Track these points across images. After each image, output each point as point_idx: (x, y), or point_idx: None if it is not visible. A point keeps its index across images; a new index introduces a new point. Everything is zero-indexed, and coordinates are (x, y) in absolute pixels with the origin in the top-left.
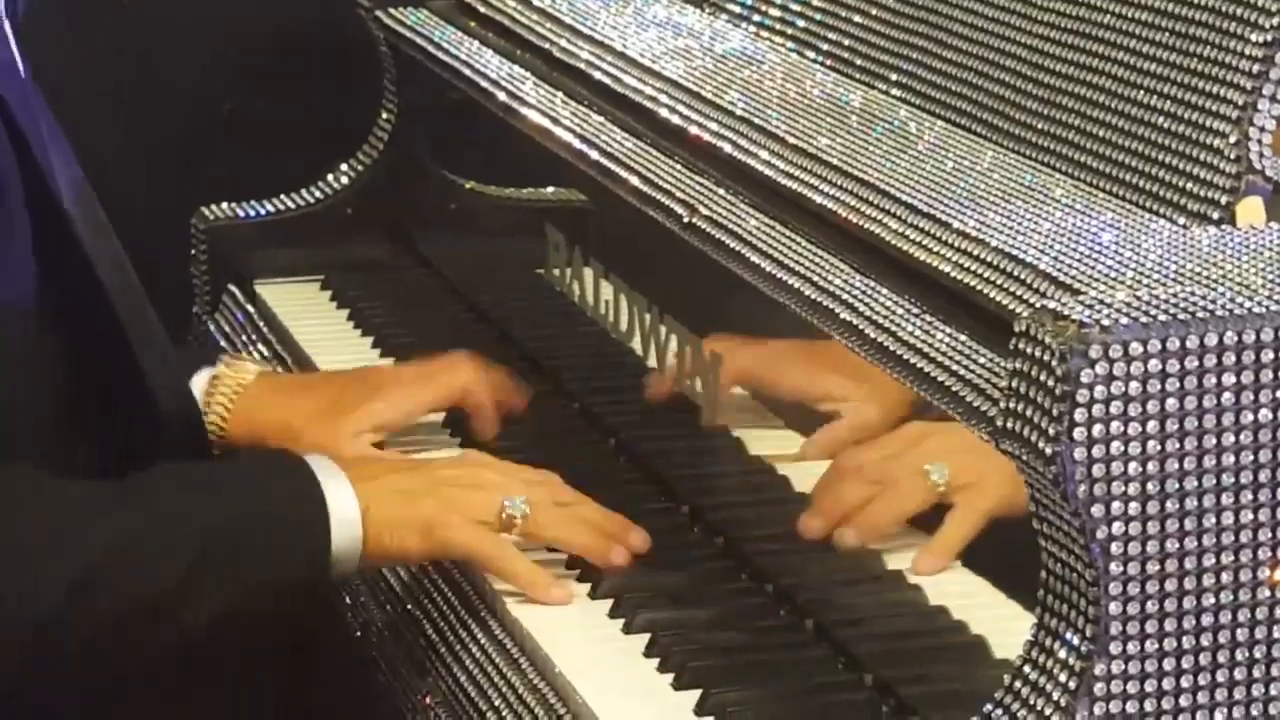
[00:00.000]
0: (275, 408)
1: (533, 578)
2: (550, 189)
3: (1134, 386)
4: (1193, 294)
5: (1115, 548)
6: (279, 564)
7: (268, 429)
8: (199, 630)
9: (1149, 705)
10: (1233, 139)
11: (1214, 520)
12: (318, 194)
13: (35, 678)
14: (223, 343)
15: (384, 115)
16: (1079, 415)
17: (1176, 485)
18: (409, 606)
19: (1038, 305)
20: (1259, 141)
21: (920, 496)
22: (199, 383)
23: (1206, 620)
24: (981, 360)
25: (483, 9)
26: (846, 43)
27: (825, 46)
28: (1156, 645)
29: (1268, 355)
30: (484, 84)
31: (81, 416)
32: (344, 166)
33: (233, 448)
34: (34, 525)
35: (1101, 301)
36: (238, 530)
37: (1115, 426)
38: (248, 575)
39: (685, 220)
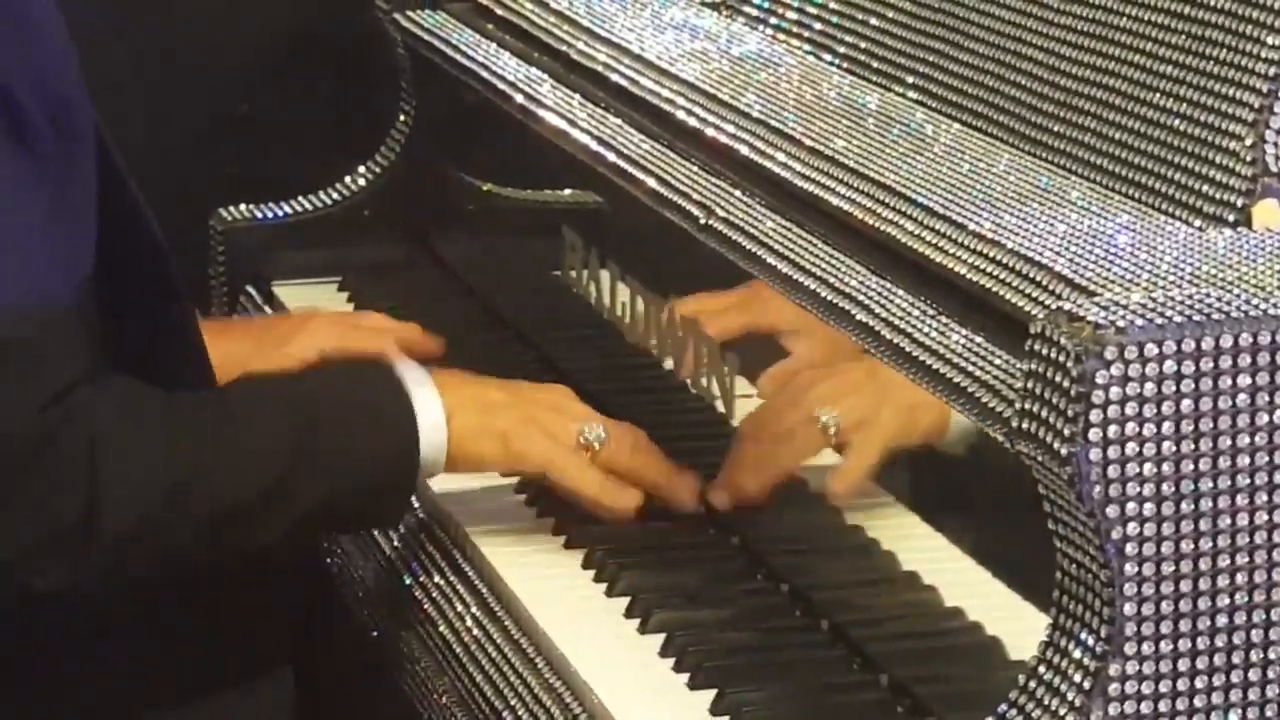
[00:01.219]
0: (222, 348)
1: (605, 487)
2: (567, 191)
3: (1149, 388)
4: (1208, 296)
5: (1130, 548)
6: (370, 464)
7: (217, 364)
8: (305, 525)
9: (1164, 705)
10: (1249, 141)
11: (1229, 521)
12: (335, 196)
13: (131, 582)
14: None
15: (401, 117)
16: (1094, 416)
17: (1191, 486)
18: (425, 606)
19: (1053, 307)
20: (1275, 144)
21: (814, 442)
22: None
23: (1221, 621)
24: (997, 362)
25: (500, 12)
26: (863, 45)
27: (842, 49)
28: (1171, 646)
29: None
30: (501, 86)
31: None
32: (361, 168)
33: None
34: (134, 432)
35: (1117, 303)
36: (328, 432)
37: (1130, 428)
38: (339, 476)
39: (702, 222)
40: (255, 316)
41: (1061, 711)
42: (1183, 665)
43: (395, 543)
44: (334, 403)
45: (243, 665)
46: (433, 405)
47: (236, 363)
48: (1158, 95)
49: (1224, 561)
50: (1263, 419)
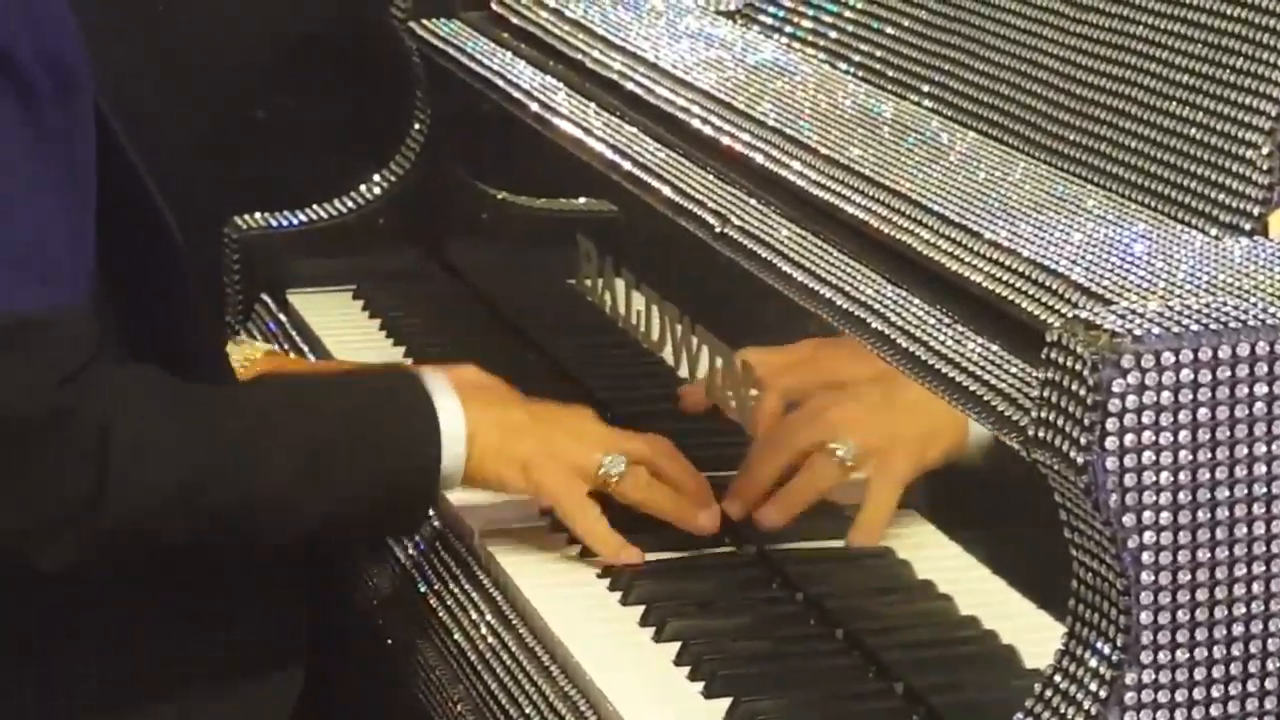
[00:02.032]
0: None
1: (607, 541)
2: (582, 199)
3: (1165, 396)
4: (1224, 304)
5: (1146, 557)
6: (387, 478)
7: None
8: (308, 535)
9: (1180, 714)
10: (1265, 150)
11: (1245, 529)
12: (350, 204)
13: (141, 569)
14: None
15: (416, 126)
16: (1110, 425)
17: (1208, 495)
18: (440, 614)
19: (1070, 315)
20: None
21: (832, 475)
22: None
23: (1237, 629)
24: (1013, 370)
25: (515, 20)
26: (878, 54)
27: (857, 58)
28: (1187, 654)
29: None
30: (516, 95)
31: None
32: (376, 177)
33: None
34: (148, 416)
35: (1133, 311)
36: (345, 443)
37: (1147, 436)
38: (354, 488)
39: (717, 230)
40: (325, 363)
41: None
42: (1199, 674)
43: (410, 550)
44: (356, 413)
45: (258, 654)
46: (456, 422)
47: None
48: (1174, 104)
49: (1240, 570)
50: (1278, 428)
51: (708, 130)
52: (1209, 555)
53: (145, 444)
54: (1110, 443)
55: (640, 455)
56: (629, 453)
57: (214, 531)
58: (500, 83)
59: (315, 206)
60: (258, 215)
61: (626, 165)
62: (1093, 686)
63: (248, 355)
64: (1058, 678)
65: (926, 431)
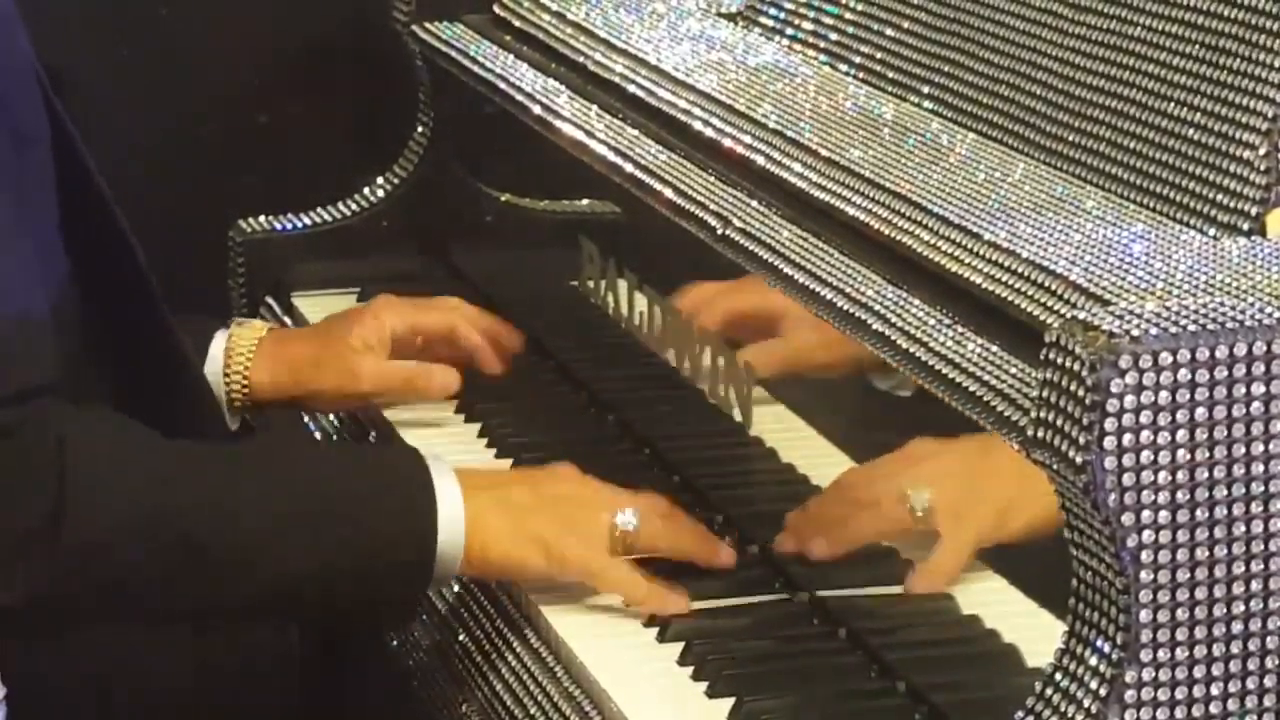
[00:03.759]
0: (288, 349)
1: (653, 594)
2: (584, 201)
3: (1164, 396)
4: (1223, 304)
5: (1146, 556)
6: (383, 541)
7: (288, 370)
8: (268, 608)
9: (1180, 712)
10: (1263, 150)
11: (1244, 528)
12: (354, 207)
13: (114, 619)
14: None
15: (419, 128)
16: (1109, 425)
17: (1206, 494)
18: (446, 616)
19: (1068, 316)
20: None
21: (895, 520)
22: (217, 344)
23: (1237, 628)
24: (1012, 370)
25: (518, 23)
26: (879, 56)
27: (858, 60)
28: (1187, 653)
29: None
30: (519, 97)
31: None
32: (380, 179)
33: (258, 399)
34: (110, 448)
35: (1132, 312)
36: (334, 486)
37: (1145, 436)
38: (342, 533)
39: (719, 232)
40: (336, 315)
41: (1078, 719)
42: (1199, 672)
43: None
44: (344, 470)
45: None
46: (455, 502)
47: (303, 365)
48: (1172, 104)
49: (1239, 569)
50: (1277, 427)
51: (709, 132)
52: (1208, 554)
53: (105, 467)
54: (1109, 442)
55: (647, 505)
56: (635, 505)
57: (173, 576)
58: (503, 85)
59: (319, 209)
60: (262, 218)
61: (628, 167)
62: (1093, 685)
63: (256, 335)
64: (1058, 676)
65: (1013, 499)
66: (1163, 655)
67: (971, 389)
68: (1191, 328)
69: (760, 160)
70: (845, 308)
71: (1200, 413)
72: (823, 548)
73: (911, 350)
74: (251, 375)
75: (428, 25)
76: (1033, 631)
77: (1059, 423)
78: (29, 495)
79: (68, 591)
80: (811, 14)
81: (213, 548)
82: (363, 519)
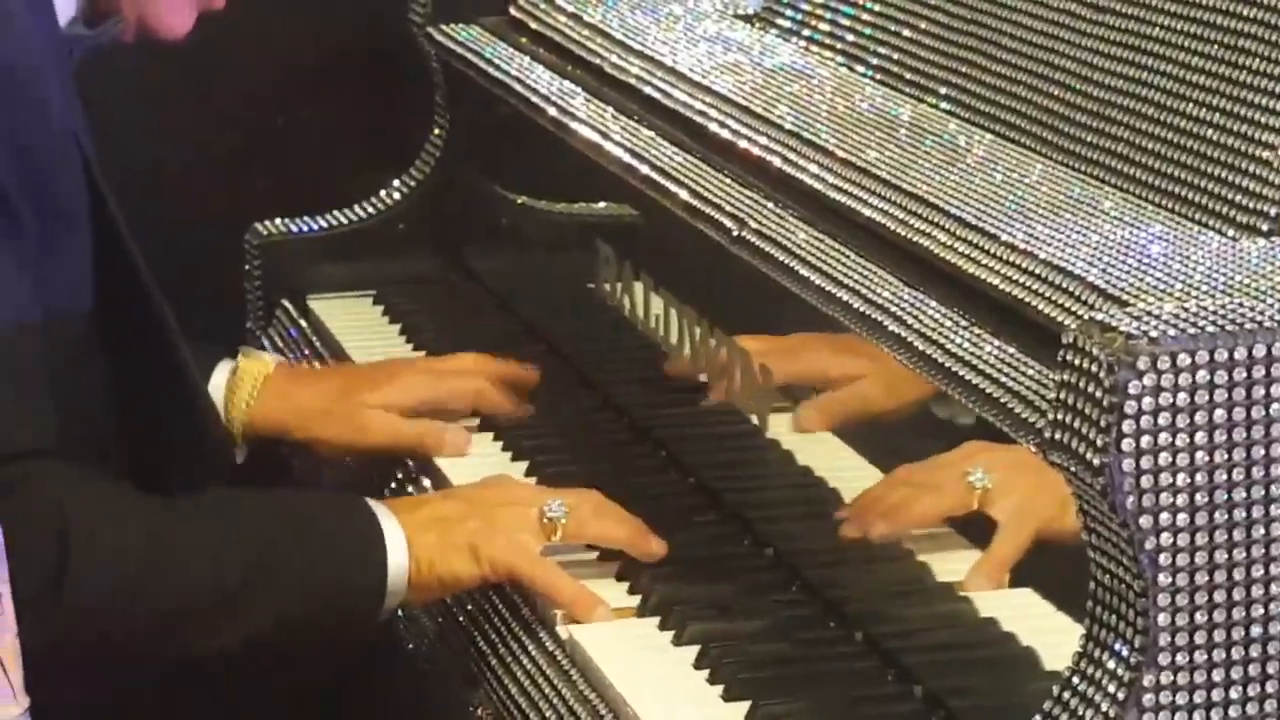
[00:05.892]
0: (297, 394)
1: (578, 596)
2: (601, 203)
3: (1182, 398)
4: (1240, 305)
5: (1164, 558)
6: (338, 564)
7: (295, 415)
8: (262, 635)
9: (1198, 716)
10: None
11: (1262, 531)
12: (370, 209)
13: (74, 670)
14: None
15: (435, 131)
16: (1127, 426)
17: (1224, 496)
18: (460, 619)
19: (1086, 317)
20: None
21: (957, 496)
22: (220, 375)
23: (1255, 631)
24: (1030, 372)
25: (534, 25)
26: (895, 57)
27: (874, 61)
28: (1205, 656)
29: None
30: (535, 100)
31: (123, 419)
32: (396, 182)
33: (259, 436)
34: (104, 503)
35: (1149, 313)
36: (294, 532)
37: (1163, 438)
38: (307, 575)
39: (735, 234)
40: (339, 365)
41: None
42: (1216, 675)
43: None
44: (302, 519)
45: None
46: (394, 531)
47: (313, 413)
48: (1191, 105)
49: (1257, 571)
50: None
51: (725, 134)
52: (1226, 556)
53: (103, 520)
54: (1127, 444)
55: (578, 497)
56: (562, 496)
57: (162, 631)
58: (519, 87)
59: (335, 212)
60: (278, 221)
61: (644, 169)
62: (1110, 688)
63: (262, 371)
64: (1076, 680)
65: (1068, 498)
66: (1181, 659)
67: (989, 391)
68: (1210, 329)
69: (776, 162)
70: (861, 309)
71: (1219, 414)
72: (883, 528)
73: (928, 352)
74: (253, 414)
75: (444, 28)
76: (1050, 635)
77: (1077, 425)
78: (30, 556)
79: (64, 650)
80: (828, 15)
81: (189, 607)
82: (315, 568)
